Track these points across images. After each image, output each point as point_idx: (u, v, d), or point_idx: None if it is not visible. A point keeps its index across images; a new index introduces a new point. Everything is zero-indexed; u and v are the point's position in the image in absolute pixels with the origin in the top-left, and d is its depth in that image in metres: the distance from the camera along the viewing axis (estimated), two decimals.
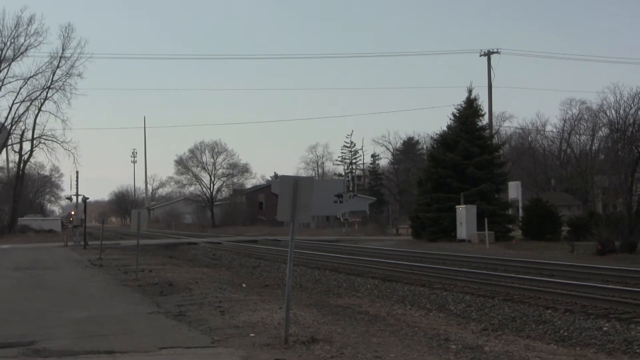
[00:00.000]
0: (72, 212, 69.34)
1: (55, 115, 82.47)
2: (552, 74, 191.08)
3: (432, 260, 35.05)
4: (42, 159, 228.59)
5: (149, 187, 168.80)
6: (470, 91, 60.84)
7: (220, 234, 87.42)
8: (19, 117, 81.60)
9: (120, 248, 49.33)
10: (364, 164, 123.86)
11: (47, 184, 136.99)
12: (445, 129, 62.40)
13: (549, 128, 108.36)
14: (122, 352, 11.23)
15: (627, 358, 12.22)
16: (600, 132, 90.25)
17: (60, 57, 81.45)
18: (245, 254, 42.64)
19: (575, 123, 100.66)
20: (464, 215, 53.47)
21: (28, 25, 78.24)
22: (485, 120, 64.84)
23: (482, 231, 50.12)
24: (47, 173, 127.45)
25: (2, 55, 78.36)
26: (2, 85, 79.68)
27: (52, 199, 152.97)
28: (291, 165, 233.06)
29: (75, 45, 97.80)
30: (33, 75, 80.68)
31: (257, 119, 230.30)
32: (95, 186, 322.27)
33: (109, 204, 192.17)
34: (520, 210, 60.21)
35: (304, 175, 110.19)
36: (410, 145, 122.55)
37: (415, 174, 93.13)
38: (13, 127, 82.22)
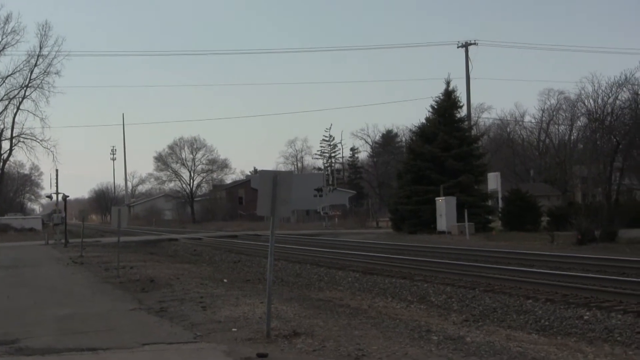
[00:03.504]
0: (56, 207, 68.75)
1: (34, 114, 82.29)
2: (530, 65, 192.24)
3: (412, 252, 35.13)
4: (22, 157, 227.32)
5: (129, 184, 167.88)
6: (448, 83, 60.93)
7: (201, 229, 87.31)
8: None
9: (101, 245, 49.17)
10: (343, 157, 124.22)
11: (27, 182, 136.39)
12: (424, 121, 62.45)
13: (527, 119, 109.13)
14: (105, 349, 11.22)
15: (607, 346, 12.28)
16: (578, 121, 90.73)
17: (38, 56, 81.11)
18: (225, 249, 42.60)
19: (554, 113, 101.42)
20: (444, 207, 53.57)
21: (5, 24, 78.00)
22: (463, 112, 64.92)
23: (462, 223, 50.22)
24: (26, 172, 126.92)
25: None
26: None
27: (33, 197, 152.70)
28: (270, 160, 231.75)
29: (53, 44, 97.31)
30: (11, 74, 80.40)
31: (236, 115, 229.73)
32: (75, 184, 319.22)
33: (89, 201, 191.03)
34: (500, 201, 60.44)
35: (283, 169, 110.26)
36: (389, 138, 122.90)
37: (395, 167, 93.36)
38: None
